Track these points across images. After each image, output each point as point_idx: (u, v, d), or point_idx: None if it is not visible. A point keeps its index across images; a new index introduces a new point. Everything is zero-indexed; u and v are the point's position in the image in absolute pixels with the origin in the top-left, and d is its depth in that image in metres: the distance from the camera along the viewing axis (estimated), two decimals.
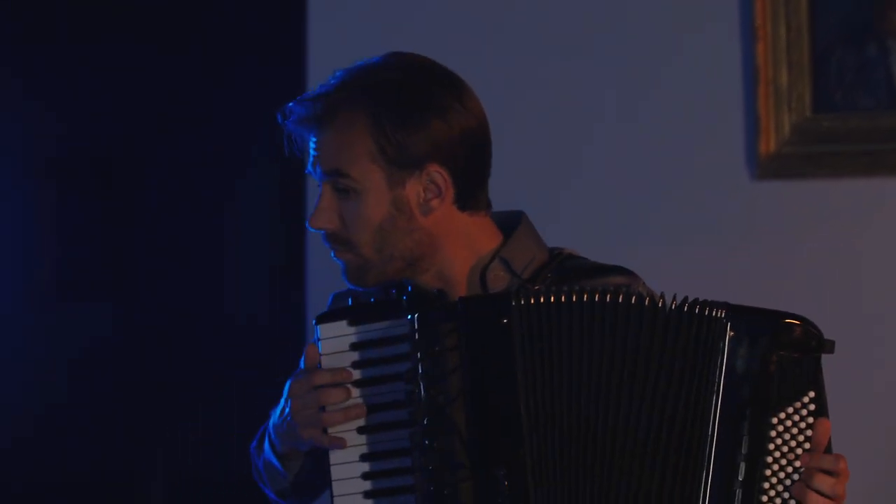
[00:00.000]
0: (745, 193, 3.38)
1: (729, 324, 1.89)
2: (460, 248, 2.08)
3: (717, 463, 1.88)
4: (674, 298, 1.91)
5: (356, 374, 1.98)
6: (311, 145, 2.07)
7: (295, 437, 2.05)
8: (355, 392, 1.98)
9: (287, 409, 2.06)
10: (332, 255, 2.08)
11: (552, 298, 1.90)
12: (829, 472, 1.88)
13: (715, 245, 3.37)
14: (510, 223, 2.13)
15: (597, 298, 1.90)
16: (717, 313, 1.89)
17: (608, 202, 3.44)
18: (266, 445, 2.15)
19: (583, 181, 3.45)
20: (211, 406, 5.77)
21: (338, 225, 2.05)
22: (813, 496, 1.87)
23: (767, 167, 3.34)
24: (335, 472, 1.99)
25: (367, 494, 1.97)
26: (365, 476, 1.97)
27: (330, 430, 2.00)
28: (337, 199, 2.05)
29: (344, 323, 1.99)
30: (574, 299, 1.90)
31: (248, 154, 4.83)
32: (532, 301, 1.90)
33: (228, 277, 5.00)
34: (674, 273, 3.31)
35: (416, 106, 2.04)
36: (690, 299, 1.91)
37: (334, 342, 2.00)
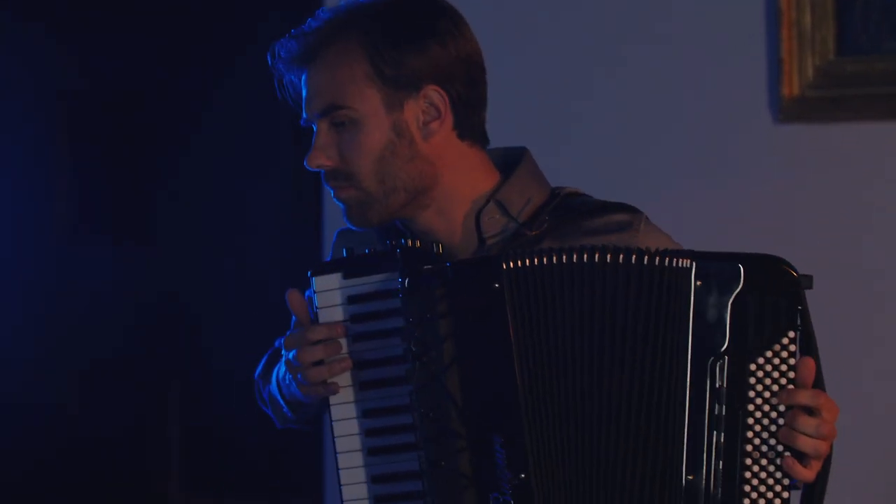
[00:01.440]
0: (767, 137, 3.35)
1: (694, 272, 1.85)
2: (460, 180, 2.03)
3: (696, 415, 1.85)
4: (646, 252, 1.86)
5: (352, 328, 1.95)
6: (304, 87, 2.03)
7: (296, 395, 2.04)
8: (352, 346, 1.94)
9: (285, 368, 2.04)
10: (333, 195, 2.03)
11: (539, 260, 1.86)
12: (808, 410, 1.84)
13: (736, 188, 3.35)
14: (511, 161, 2.09)
15: (580, 258, 1.86)
16: (681, 263, 1.85)
17: (629, 145, 3.42)
18: (273, 384, 2.13)
19: (603, 123, 3.43)
20: (226, 350, 5.80)
21: (337, 161, 2.01)
22: (802, 438, 1.83)
23: (790, 110, 3.31)
24: (337, 429, 1.96)
25: (370, 451, 1.95)
26: (367, 433, 1.95)
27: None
28: (335, 135, 2.01)
29: (339, 276, 1.95)
30: (564, 260, 1.86)
31: (267, 96, 4.83)
32: (521, 264, 1.86)
33: (247, 220, 5.00)
34: (695, 216, 3.31)
35: (413, 28, 2.00)
36: (657, 251, 1.86)
37: (329, 295, 1.96)
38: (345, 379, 1.95)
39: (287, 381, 2.05)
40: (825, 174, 3.34)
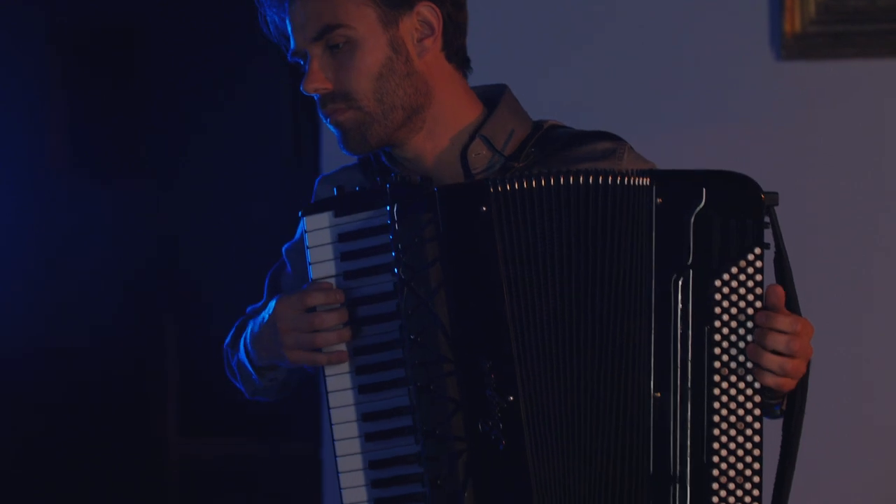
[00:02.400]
0: (769, 74, 3.33)
1: (654, 190, 1.85)
2: (449, 102, 2.04)
3: (661, 332, 1.85)
4: (606, 172, 1.86)
5: (344, 266, 1.94)
6: (294, 15, 2.01)
7: (279, 357, 2.01)
8: (344, 284, 1.94)
9: (265, 323, 2.01)
10: (328, 121, 2.02)
11: (524, 184, 1.86)
12: (783, 332, 1.83)
13: (738, 126, 3.33)
14: (492, 97, 2.09)
15: (554, 181, 1.86)
16: (640, 181, 1.86)
17: (630, 84, 3.40)
18: (241, 351, 2.11)
19: (604, 61, 3.41)
20: (225, 287, 5.80)
21: (334, 83, 2.00)
22: (768, 356, 1.83)
23: (792, 47, 3.28)
24: (329, 368, 1.95)
25: (361, 389, 1.94)
26: (358, 370, 1.94)
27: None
28: (330, 58, 2.00)
29: (330, 214, 1.94)
30: (543, 183, 1.86)
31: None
32: (508, 188, 1.86)
33: (246, 159, 4.98)
34: (696, 155, 3.28)
35: None
36: (619, 171, 1.87)
37: (320, 234, 1.95)
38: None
39: (265, 343, 2.02)
40: (827, 112, 3.32)
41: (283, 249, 2.18)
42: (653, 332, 1.85)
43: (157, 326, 5.63)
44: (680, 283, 1.84)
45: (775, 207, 1.85)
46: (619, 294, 1.86)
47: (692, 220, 1.84)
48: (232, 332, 2.19)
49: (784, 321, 1.83)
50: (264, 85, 4.88)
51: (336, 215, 1.94)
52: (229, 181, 5.07)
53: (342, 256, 1.94)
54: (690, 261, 1.84)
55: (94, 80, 4.85)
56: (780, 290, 1.84)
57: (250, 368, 2.10)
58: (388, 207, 1.89)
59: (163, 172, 5.08)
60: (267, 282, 2.21)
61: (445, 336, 1.87)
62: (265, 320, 2.01)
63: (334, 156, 4.45)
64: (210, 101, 4.91)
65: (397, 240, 1.88)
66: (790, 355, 1.83)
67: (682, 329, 1.84)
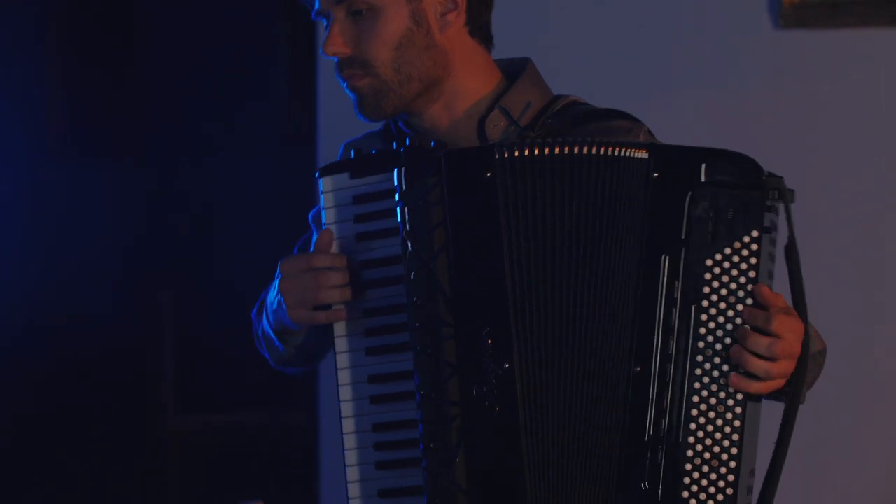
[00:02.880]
0: (766, 43, 3.32)
1: (652, 164, 1.84)
2: (468, 76, 2.04)
3: (646, 307, 1.83)
4: (604, 143, 1.85)
5: (357, 228, 1.95)
6: None
7: (285, 321, 2.01)
8: (356, 246, 1.94)
9: (275, 286, 2.02)
10: (346, 85, 2.03)
11: (529, 151, 1.86)
12: (763, 331, 1.81)
13: (735, 95, 3.33)
14: (515, 70, 2.09)
15: (566, 150, 1.85)
16: (638, 154, 1.85)
17: (627, 52, 3.39)
18: (264, 319, 2.12)
19: (601, 30, 3.40)
20: (223, 264, 5.80)
21: (354, 49, 2.01)
22: (751, 359, 1.80)
23: (790, 16, 3.27)
24: (337, 329, 1.95)
25: (368, 351, 1.94)
26: (366, 332, 1.94)
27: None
28: (351, 23, 2.01)
29: (346, 175, 1.95)
30: (547, 151, 1.85)
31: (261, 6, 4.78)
32: (515, 154, 1.86)
33: (244, 133, 4.97)
34: (693, 124, 3.28)
35: None
36: (615, 142, 1.85)
37: (336, 195, 1.96)
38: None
39: (276, 307, 2.03)
40: (825, 81, 3.31)
41: (310, 216, 2.19)
42: (637, 306, 1.84)
43: (153, 302, 5.62)
44: (670, 259, 1.82)
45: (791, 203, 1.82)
46: (610, 266, 1.85)
47: (688, 196, 1.82)
48: (259, 301, 2.19)
49: (763, 318, 1.80)
50: (262, 64, 4.87)
51: (351, 177, 1.95)
52: (226, 160, 5.06)
53: (356, 218, 1.95)
54: (683, 237, 1.82)
55: (92, 62, 4.84)
56: (765, 292, 1.81)
57: (272, 335, 2.11)
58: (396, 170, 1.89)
59: (160, 152, 5.07)
60: (295, 252, 2.20)
61: (445, 300, 1.86)
62: (276, 279, 2.02)
63: (332, 134, 4.45)
64: (207, 81, 4.90)
65: (404, 202, 1.88)
66: (772, 358, 1.81)
67: (667, 306, 1.82)
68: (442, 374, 1.86)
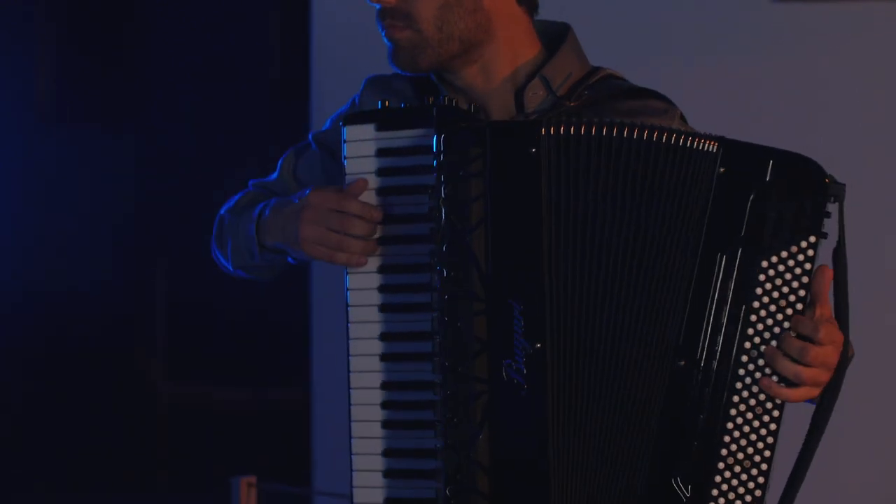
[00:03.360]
0: (763, 15, 3.30)
1: (720, 159, 1.81)
2: (509, 42, 2.03)
3: (698, 304, 1.81)
4: (672, 131, 1.81)
5: (379, 182, 1.92)
6: None
7: (293, 243, 1.98)
8: (377, 200, 1.91)
9: (291, 207, 1.99)
10: (384, 34, 2.01)
11: (577, 129, 1.83)
12: (804, 338, 1.78)
13: (732, 68, 3.31)
14: (554, 35, 2.08)
15: (616, 133, 1.82)
16: (708, 146, 1.81)
17: (623, 24, 3.37)
18: (251, 223, 2.07)
19: (598, 2, 3.39)
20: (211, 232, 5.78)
21: (397, 1, 1.99)
22: (783, 361, 1.78)
23: None
24: (352, 281, 1.93)
25: (382, 308, 1.91)
26: (381, 289, 1.92)
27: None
28: None
29: (372, 127, 1.92)
30: (594, 132, 1.82)
31: None
32: (563, 131, 1.83)
33: (235, 95, 4.94)
34: (690, 96, 3.26)
35: None
36: (682, 132, 1.82)
37: (360, 146, 1.92)
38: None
39: (281, 226, 1.99)
40: (822, 54, 3.29)
41: (311, 135, 2.16)
42: (689, 301, 1.81)
43: (145, 272, 5.60)
44: (726, 256, 1.79)
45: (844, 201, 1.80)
46: (663, 257, 1.82)
47: (752, 195, 1.79)
48: (234, 200, 2.17)
49: (806, 325, 1.78)
50: (252, 22, 4.83)
51: (378, 129, 1.92)
52: (218, 125, 5.03)
53: (379, 172, 1.91)
54: (741, 236, 1.79)
55: (81, 27, 4.80)
56: (828, 273, 1.79)
57: (252, 244, 2.07)
58: (432, 131, 1.86)
59: (152, 119, 5.05)
60: (281, 161, 2.18)
61: (479, 274, 1.83)
62: (292, 204, 1.98)
63: (325, 92, 4.43)
64: (196, 42, 4.86)
65: (441, 170, 1.85)
66: (805, 364, 1.78)
67: (718, 304, 1.80)
68: (470, 350, 1.84)
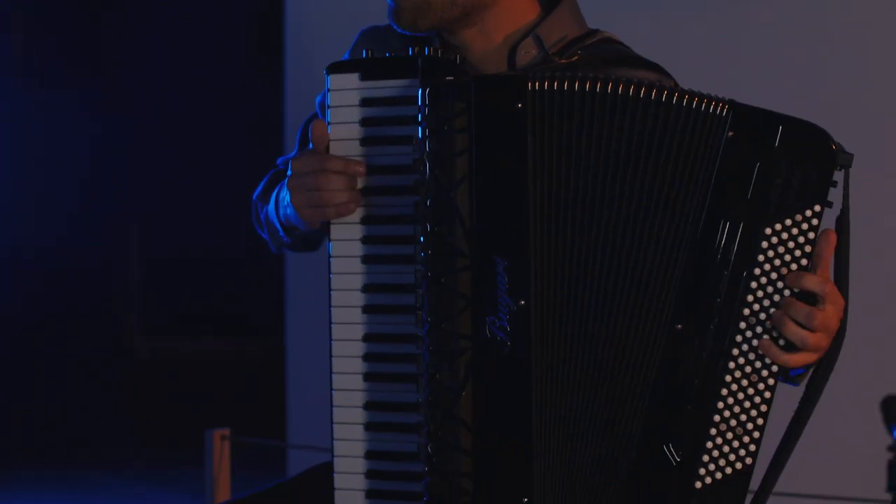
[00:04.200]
0: None
1: (729, 122, 1.78)
2: (510, 8, 2.02)
3: (698, 267, 1.79)
4: (682, 91, 1.79)
5: (363, 132, 1.90)
6: None
7: (295, 217, 1.98)
8: (360, 151, 1.90)
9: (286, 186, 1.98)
10: None
11: (566, 85, 1.80)
12: (812, 298, 1.77)
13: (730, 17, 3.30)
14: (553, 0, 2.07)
15: (611, 88, 1.79)
16: (718, 109, 1.79)
17: None
18: (271, 205, 2.09)
19: None
20: (189, 184, 5.75)
21: None
22: (790, 325, 1.76)
23: None
24: (335, 232, 1.91)
25: (364, 259, 1.90)
26: (364, 240, 1.90)
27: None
28: None
29: (356, 76, 1.90)
30: (588, 87, 1.79)
31: None
32: (547, 86, 1.80)
33: (208, 57, 4.91)
34: (685, 43, 3.25)
35: None
36: (691, 92, 1.79)
37: (343, 95, 1.90)
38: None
39: (286, 203, 1.99)
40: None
41: (317, 101, 2.15)
42: (690, 265, 1.79)
43: (121, 228, 5.58)
44: (730, 222, 1.77)
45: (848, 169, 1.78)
46: (661, 219, 1.80)
47: (759, 161, 1.77)
48: (263, 183, 2.17)
49: (813, 280, 1.76)
50: None
51: (362, 78, 1.90)
52: (192, 86, 5.00)
53: (363, 121, 1.90)
54: (746, 201, 1.77)
55: None
56: (833, 237, 1.77)
57: (278, 225, 2.07)
58: (417, 82, 1.85)
59: (127, 78, 5.01)
60: (298, 134, 2.16)
61: (464, 230, 1.82)
62: (287, 173, 1.98)
63: (299, 48, 4.39)
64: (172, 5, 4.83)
65: (425, 124, 1.83)
66: (811, 329, 1.76)
67: (719, 269, 1.78)
68: (454, 306, 1.82)
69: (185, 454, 5.30)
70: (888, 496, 2.89)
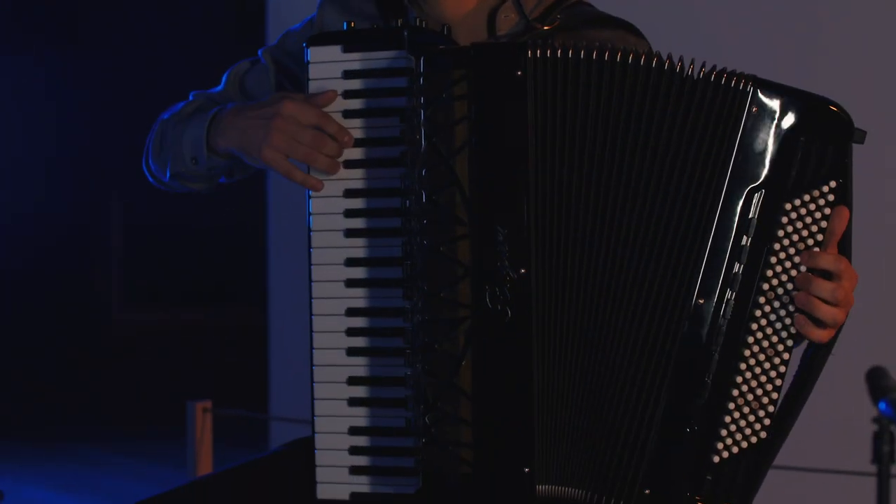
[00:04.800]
0: None
1: (752, 98, 1.77)
2: None
3: (720, 242, 1.78)
4: (692, 63, 1.78)
5: (345, 104, 1.87)
6: None
7: (250, 148, 1.92)
8: (344, 123, 1.86)
9: (257, 111, 1.92)
10: None
11: (570, 53, 1.78)
12: (827, 275, 1.76)
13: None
14: None
15: (619, 58, 1.77)
16: (741, 85, 1.77)
17: None
18: (198, 127, 2.01)
19: None
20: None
21: None
22: (818, 304, 1.75)
23: None
24: (315, 205, 1.88)
25: (347, 233, 1.87)
26: (347, 213, 1.87)
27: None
28: None
29: (338, 48, 1.87)
30: (595, 56, 1.77)
31: None
32: (549, 54, 1.78)
33: (188, 20, 4.87)
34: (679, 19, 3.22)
35: None
36: (714, 67, 1.78)
37: (325, 67, 1.87)
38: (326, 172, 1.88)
39: (239, 129, 1.93)
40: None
41: (260, 51, 2.11)
42: (711, 237, 1.78)
43: (102, 197, 5.55)
44: (753, 197, 1.77)
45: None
46: (676, 193, 1.78)
47: (781, 136, 1.77)
48: (176, 107, 2.10)
49: (828, 259, 1.76)
50: None
51: (344, 50, 1.87)
52: (173, 54, 4.97)
53: (346, 94, 1.87)
54: (766, 177, 1.77)
55: None
56: (846, 214, 1.77)
57: (203, 146, 2.01)
58: (403, 53, 1.82)
59: (108, 45, 4.97)
60: (227, 73, 2.13)
61: (463, 198, 1.79)
62: (258, 109, 1.92)
63: (281, 28, 4.37)
64: None
65: (421, 92, 1.80)
66: (835, 304, 1.76)
67: (740, 243, 1.77)
68: (453, 275, 1.79)
69: (167, 426, 5.29)
70: (873, 468, 2.87)
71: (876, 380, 2.89)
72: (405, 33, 1.82)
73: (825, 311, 1.76)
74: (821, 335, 1.77)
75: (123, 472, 5.80)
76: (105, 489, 5.59)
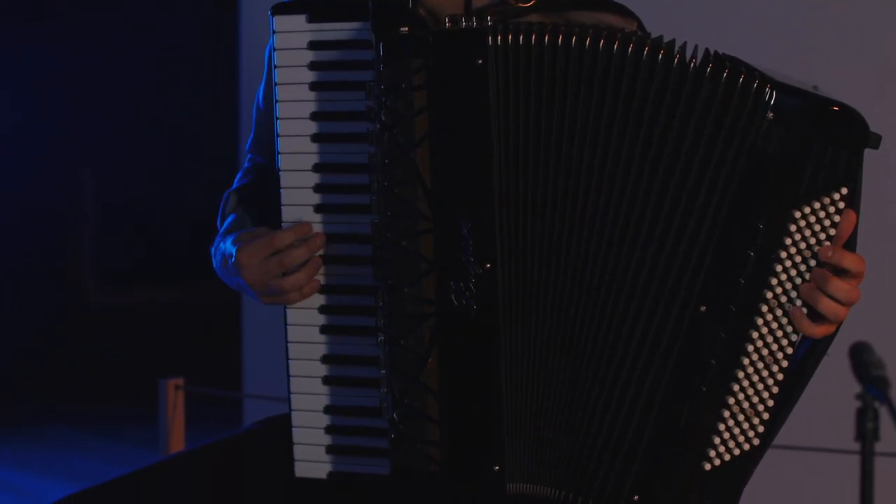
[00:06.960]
0: None
1: (768, 103, 1.68)
2: None
3: (723, 247, 1.71)
4: (693, 55, 1.69)
5: (311, 76, 1.81)
6: None
7: (250, 293, 1.88)
8: (310, 96, 1.81)
9: (231, 265, 1.87)
10: None
11: (533, 38, 1.70)
12: (847, 274, 1.71)
13: None
14: None
15: (588, 44, 1.69)
16: (757, 88, 1.68)
17: None
18: (218, 261, 1.96)
19: None
20: (147, 139, 5.68)
21: None
22: (824, 299, 1.70)
23: None
24: (285, 179, 1.83)
25: (316, 208, 1.82)
26: (316, 188, 1.81)
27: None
28: None
29: (303, 18, 1.81)
30: (560, 42, 1.70)
31: None
32: (511, 40, 1.71)
33: (167, 15, 4.83)
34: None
35: None
36: (721, 59, 1.70)
37: (290, 37, 1.82)
38: (298, 128, 1.83)
39: (233, 281, 1.89)
40: None
41: (266, 51, 2.05)
42: (714, 243, 1.71)
43: (74, 177, 5.50)
44: (761, 203, 1.70)
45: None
46: (675, 193, 1.70)
47: (795, 143, 1.68)
48: (220, 211, 2.06)
49: (852, 259, 1.70)
50: None
51: (309, 20, 1.81)
52: (147, 30, 4.92)
53: (311, 65, 1.81)
54: (776, 182, 1.70)
55: None
56: (853, 218, 1.70)
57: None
58: (368, 24, 1.76)
59: (79, 19, 4.92)
60: (261, 93, 2.07)
61: (424, 192, 1.74)
62: (230, 261, 1.87)
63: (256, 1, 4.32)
64: None
65: (381, 80, 1.74)
66: (846, 303, 1.71)
67: (747, 249, 1.71)
68: (416, 270, 1.75)
69: (139, 404, 5.24)
70: (856, 446, 2.84)
71: (859, 355, 2.85)
72: (370, 4, 1.75)
73: (829, 307, 1.70)
74: (817, 331, 1.72)
75: (96, 451, 5.76)
76: (78, 469, 5.55)
